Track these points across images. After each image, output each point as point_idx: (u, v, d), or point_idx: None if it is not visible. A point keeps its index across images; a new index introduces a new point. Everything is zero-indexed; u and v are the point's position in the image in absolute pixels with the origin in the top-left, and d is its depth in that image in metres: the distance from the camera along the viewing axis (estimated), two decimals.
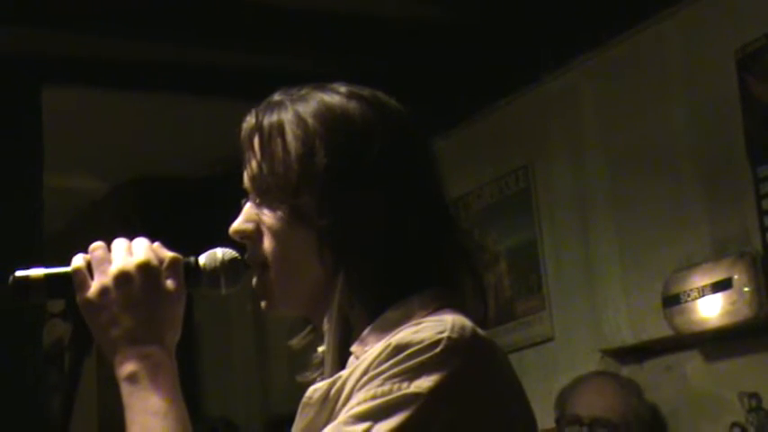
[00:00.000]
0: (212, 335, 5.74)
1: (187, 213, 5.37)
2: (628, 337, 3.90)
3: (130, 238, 1.37)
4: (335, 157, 1.30)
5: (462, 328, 1.24)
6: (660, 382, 3.85)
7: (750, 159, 3.48)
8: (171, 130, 5.11)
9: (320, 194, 1.29)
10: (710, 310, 3.47)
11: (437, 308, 1.28)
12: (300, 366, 1.40)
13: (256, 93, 1.41)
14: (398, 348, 1.21)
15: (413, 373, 1.19)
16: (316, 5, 4.14)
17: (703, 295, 3.48)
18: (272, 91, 1.40)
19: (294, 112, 1.33)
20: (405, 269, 1.30)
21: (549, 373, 4.03)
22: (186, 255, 1.38)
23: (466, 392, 1.21)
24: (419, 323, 1.25)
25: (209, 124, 5.04)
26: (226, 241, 1.40)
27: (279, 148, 1.32)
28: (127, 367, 1.30)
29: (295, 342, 1.42)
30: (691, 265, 3.58)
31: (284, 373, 5.24)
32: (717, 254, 3.55)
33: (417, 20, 4.29)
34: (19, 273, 1.35)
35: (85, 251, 1.36)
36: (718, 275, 3.46)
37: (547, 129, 4.26)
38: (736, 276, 3.42)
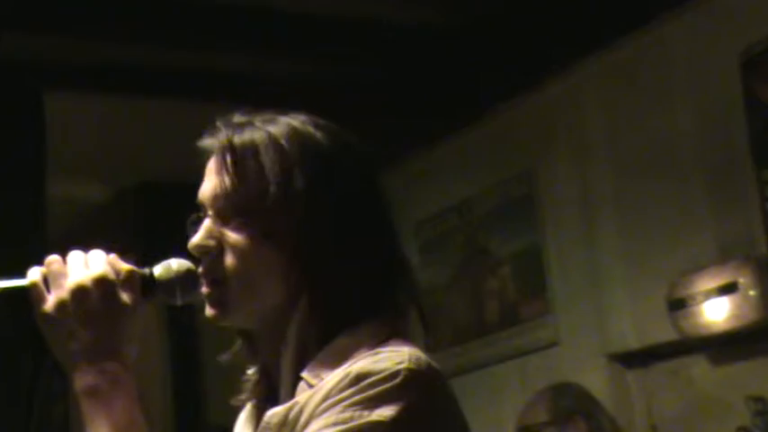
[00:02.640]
0: (214, 342, 5.72)
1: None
2: (633, 342, 3.89)
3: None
4: (312, 181, 1.32)
5: (418, 358, 1.27)
6: (666, 387, 3.84)
7: (755, 162, 3.47)
8: (174, 136, 5.09)
9: (295, 217, 1.31)
10: (716, 313, 3.46)
11: (386, 337, 1.31)
12: (236, 389, 1.42)
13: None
14: (359, 377, 1.24)
15: (374, 402, 1.22)
16: (317, 11, 4.13)
17: (709, 299, 3.47)
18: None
19: (267, 133, 1.34)
20: (360, 296, 1.33)
21: (555, 378, 4.01)
22: (152, 264, 1.39)
23: (424, 422, 1.24)
24: (377, 353, 1.27)
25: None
26: None
27: (252, 169, 1.33)
28: (85, 381, 1.30)
29: (227, 358, 1.44)
30: (696, 268, 3.57)
31: None
32: (722, 257, 3.54)
33: (419, 23, 4.29)
34: None
35: None
36: (723, 279, 3.45)
37: (550, 132, 4.26)
38: (741, 280, 3.41)
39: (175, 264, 1.37)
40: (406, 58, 4.43)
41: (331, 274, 1.31)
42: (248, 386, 1.41)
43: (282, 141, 1.33)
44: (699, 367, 3.74)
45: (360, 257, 1.33)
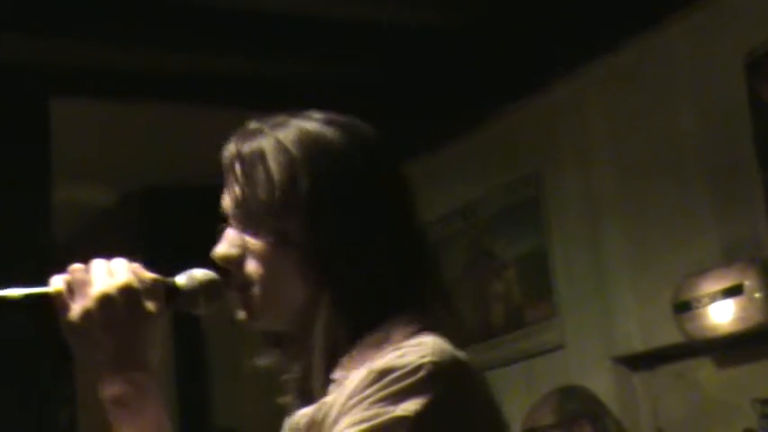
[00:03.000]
0: (221, 344, 5.73)
1: (196, 223, 5.35)
2: (639, 344, 3.89)
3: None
4: (317, 181, 1.34)
5: (443, 351, 1.27)
6: (672, 389, 3.83)
7: (760, 164, 3.47)
8: (179, 140, 5.11)
9: (303, 218, 1.33)
10: (722, 316, 3.45)
11: (415, 331, 1.31)
12: (278, 389, 1.43)
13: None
14: (382, 373, 1.24)
15: (398, 397, 1.22)
16: (317, 12, 4.13)
17: (714, 301, 3.47)
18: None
19: (274, 139, 1.37)
20: (383, 292, 1.33)
21: (560, 381, 4.01)
22: (179, 269, 1.40)
23: (450, 415, 1.24)
24: (400, 347, 1.27)
25: (217, 133, 5.03)
26: None
27: (261, 175, 1.36)
28: (113, 390, 1.30)
29: (264, 362, 1.45)
30: (701, 271, 3.57)
31: None
32: (727, 260, 3.54)
33: (420, 24, 4.29)
34: None
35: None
36: (728, 281, 3.45)
37: (555, 136, 4.26)
38: (747, 282, 3.41)
39: (199, 273, 1.39)
40: (406, 59, 4.43)
41: (348, 272, 1.32)
42: (291, 386, 1.41)
43: (289, 145, 1.35)
44: (704, 370, 3.73)
45: (378, 254, 1.33)
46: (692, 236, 3.69)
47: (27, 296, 1.34)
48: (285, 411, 1.43)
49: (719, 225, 3.62)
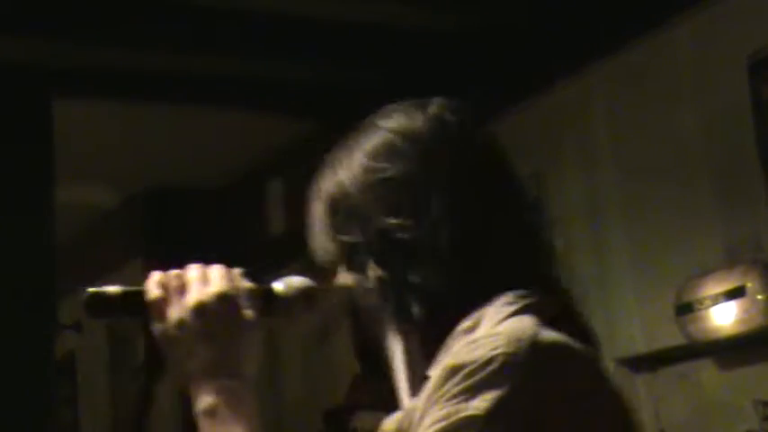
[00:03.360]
0: None
1: (198, 224, 5.37)
2: (641, 346, 3.89)
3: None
4: (346, 206, 1.34)
5: (519, 340, 1.20)
6: (674, 391, 3.83)
7: (763, 165, 3.47)
8: (182, 141, 5.12)
9: (341, 242, 1.34)
10: (724, 318, 3.45)
11: (508, 315, 1.26)
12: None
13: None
14: (454, 369, 1.19)
15: (469, 394, 1.17)
16: (319, 14, 4.14)
17: (716, 303, 3.47)
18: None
19: (328, 178, 1.38)
20: (463, 284, 1.29)
21: None
22: (251, 276, 1.39)
23: (527, 408, 1.17)
24: (474, 341, 1.22)
25: (220, 135, 5.04)
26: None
27: (317, 212, 1.38)
28: (205, 400, 1.29)
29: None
30: (704, 273, 3.57)
31: (297, 390, 5.22)
32: (730, 261, 3.54)
33: (428, 27, 4.30)
34: (93, 289, 1.32)
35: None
36: (731, 283, 3.45)
37: (558, 137, 4.26)
38: (749, 284, 3.41)
39: (297, 281, 1.38)
40: (408, 61, 4.43)
41: (383, 273, 1.31)
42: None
43: (334, 179, 1.37)
44: (707, 371, 3.73)
45: (439, 250, 1.30)
46: (695, 237, 3.69)
47: (125, 292, 1.33)
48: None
49: (722, 226, 3.62)
